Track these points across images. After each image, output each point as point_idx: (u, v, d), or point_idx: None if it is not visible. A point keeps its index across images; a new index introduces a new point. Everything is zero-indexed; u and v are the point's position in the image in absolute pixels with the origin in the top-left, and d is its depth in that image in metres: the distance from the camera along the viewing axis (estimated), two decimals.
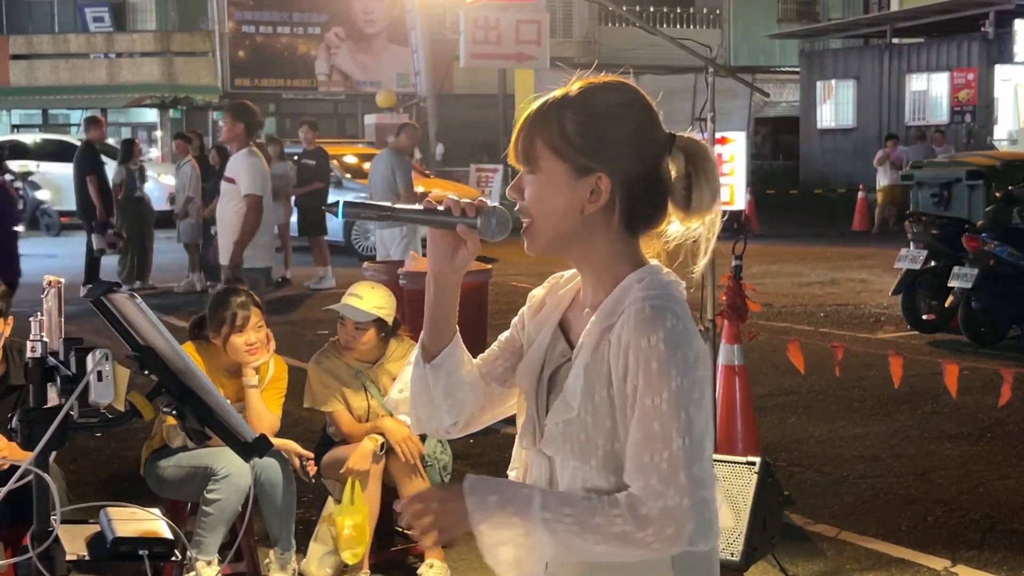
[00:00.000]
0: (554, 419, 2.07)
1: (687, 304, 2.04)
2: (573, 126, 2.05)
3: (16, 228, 10.87)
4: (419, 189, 13.08)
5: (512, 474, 2.21)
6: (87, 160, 13.98)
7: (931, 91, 27.20)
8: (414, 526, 2.01)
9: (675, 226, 2.11)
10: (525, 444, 2.17)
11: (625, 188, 2.05)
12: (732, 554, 4.55)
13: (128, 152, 15.26)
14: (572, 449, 2.04)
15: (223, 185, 8.11)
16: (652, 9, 33.25)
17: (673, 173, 2.07)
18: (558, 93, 2.10)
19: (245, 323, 4.98)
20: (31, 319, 2.44)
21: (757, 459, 4.75)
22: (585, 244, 2.07)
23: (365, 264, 10.81)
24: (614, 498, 1.95)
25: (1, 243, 10.23)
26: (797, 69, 31.09)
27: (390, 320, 5.31)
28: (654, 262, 2.10)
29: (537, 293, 2.25)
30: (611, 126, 2.06)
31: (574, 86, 2.10)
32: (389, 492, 5.26)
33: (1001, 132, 26.40)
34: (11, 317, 4.70)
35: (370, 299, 5.27)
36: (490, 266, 9.62)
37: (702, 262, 2.13)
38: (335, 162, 18.39)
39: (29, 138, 27.67)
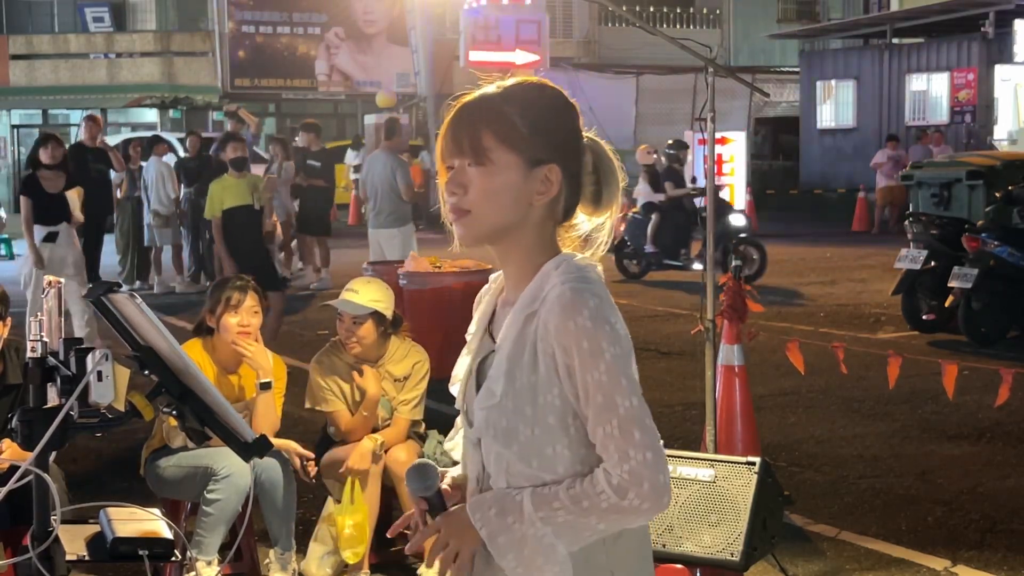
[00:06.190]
0: (479, 405, 2.14)
1: (605, 285, 2.12)
2: (522, 120, 2.10)
3: None
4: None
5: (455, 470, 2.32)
6: (72, 161, 14.00)
7: (931, 91, 27.17)
8: (430, 554, 2.11)
9: (583, 220, 2.20)
10: (464, 438, 2.27)
11: (568, 181, 2.13)
12: (732, 554, 4.54)
13: (125, 153, 15.27)
14: (495, 435, 2.11)
15: None
16: (652, 9, 33.22)
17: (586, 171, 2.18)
18: (490, 91, 2.15)
19: (239, 304, 5.01)
20: (31, 319, 2.44)
21: (757, 459, 4.75)
22: (517, 235, 2.14)
23: (365, 264, 10.81)
24: (593, 477, 2.05)
25: None
26: (797, 69, 31.06)
27: (388, 313, 5.31)
28: (567, 250, 2.18)
29: (474, 315, 2.33)
30: (555, 121, 2.14)
31: (503, 85, 2.17)
32: (389, 492, 5.26)
33: (1001, 132, 26.34)
34: (10, 318, 4.71)
35: (366, 293, 5.28)
36: (491, 266, 9.64)
37: (602, 250, 2.23)
38: None
39: None
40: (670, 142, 16.07)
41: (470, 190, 2.09)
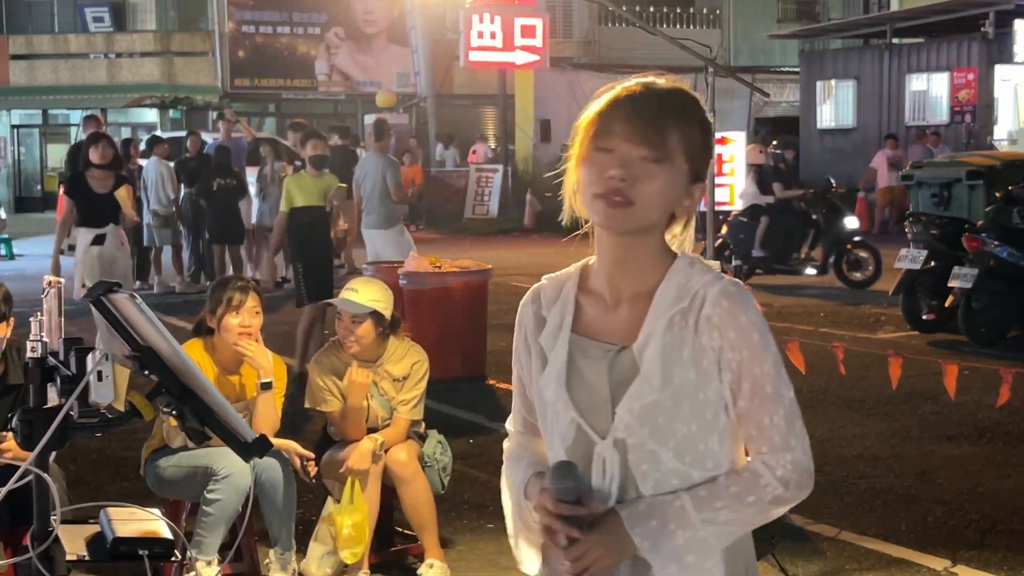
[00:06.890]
0: (629, 404, 2.08)
1: None
2: (702, 134, 2.12)
3: None
4: None
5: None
6: (70, 163, 14.02)
7: (931, 91, 27.14)
8: (567, 554, 2.05)
9: None
10: (573, 442, 2.14)
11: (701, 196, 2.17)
12: None
13: (126, 153, 15.27)
14: (651, 432, 2.08)
15: None
16: (652, 9, 33.20)
17: None
18: (674, 87, 2.13)
19: (241, 305, 5.01)
20: (31, 319, 2.44)
21: None
22: (651, 235, 2.14)
23: (365, 264, 10.82)
24: (753, 471, 2.07)
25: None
26: (797, 69, 31.04)
27: (387, 313, 5.31)
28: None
29: (526, 316, 2.25)
30: (710, 140, 2.19)
31: (676, 84, 2.15)
32: (388, 492, 5.26)
33: (1001, 132, 26.31)
34: (12, 319, 4.71)
35: (365, 292, 5.28)
36: (491, 266, 9.63)
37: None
38: None
39: None
40: (775, 141, 15.61)
41: (640, 183, 2.05)
